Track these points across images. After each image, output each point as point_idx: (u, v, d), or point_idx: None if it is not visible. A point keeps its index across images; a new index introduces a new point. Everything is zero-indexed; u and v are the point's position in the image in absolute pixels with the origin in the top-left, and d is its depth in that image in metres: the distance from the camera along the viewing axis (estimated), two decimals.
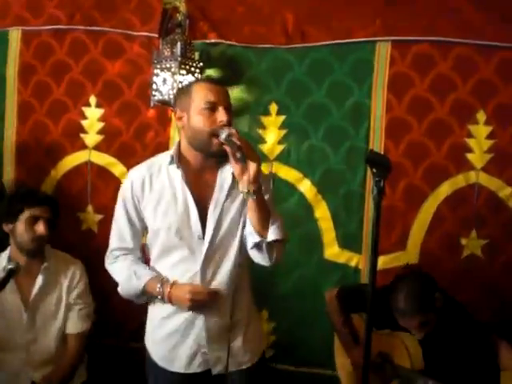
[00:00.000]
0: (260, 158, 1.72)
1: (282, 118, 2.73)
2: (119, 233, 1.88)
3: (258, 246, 1.75)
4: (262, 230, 1.74)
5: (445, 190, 2.59)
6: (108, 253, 1.92)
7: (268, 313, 2.77)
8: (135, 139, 2.87)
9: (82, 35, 2.90)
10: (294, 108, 2.72)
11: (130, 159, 2.78)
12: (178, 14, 2.70)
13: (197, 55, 2.75)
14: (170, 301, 1.79)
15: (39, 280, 2.36)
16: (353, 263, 2.67)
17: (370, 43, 2.63)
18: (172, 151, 1.85)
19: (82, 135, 2.92)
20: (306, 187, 2.71)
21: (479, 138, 2.56)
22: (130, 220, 1.86)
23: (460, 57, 2.56)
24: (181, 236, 1.78)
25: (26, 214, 2.33)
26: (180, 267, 1.80)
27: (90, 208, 2.93)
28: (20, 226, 2.33)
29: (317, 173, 2.70)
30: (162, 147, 2.68)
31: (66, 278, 2.43)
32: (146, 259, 1.92)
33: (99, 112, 2.91)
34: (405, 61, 2.61)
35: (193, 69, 2.65)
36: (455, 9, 2.54)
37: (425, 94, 2.60)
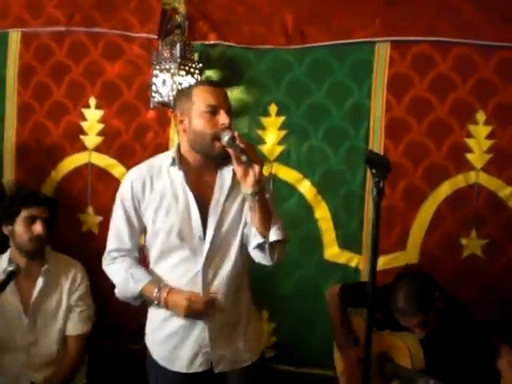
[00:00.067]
0: (262, 160, 1.73)
1: (282, 118, 2.73)
2: (117, 233, 1.88)
3: (260, 246, 1.76)
4: (265, 230, 1.74)
5: (445, 189, 2.59)
6: (106, 254, 1.91)
7: (268, 313, 2.76)
8: (135, 140, 2.87)
9: (82, 37, 2.90)
10: (293, 108, 2.72)
11: (130, 160, 2.77)
12: (177, 15, 2.69)
13: (196, 56, 2.75)
14: (166, 306, 1.78)
15: (40, 282, 2.36)
16: (353, 264, 2.67)
17: (369, 43, 2.63)
18: (172, 152, 1.85)
19: (81, 137, 2.92)
20: (305, 188, 2.71)
21: (479, 138, 2.56)
22: (128, 221, 1.85)
23: (460, 57, 2.56)
24: (182, 237, 1.78)
25: (23, 215, 2.33)
26: (181, 268, 1.80)
27: (90, 209, 2.93)
28: (18, 227, 2.33)
29: (317, 173, 2.70)
30: (162, 148, 2.68)
31: (67, 280, 2.43)
32: (144, 260, 1.92)
33: (99, 113, 2.91)
34: (404, 61, 2.61)
35: (192, 70, 2.64)
36: (455, 9, 2.54)
37: (424, 94, 2.59)
